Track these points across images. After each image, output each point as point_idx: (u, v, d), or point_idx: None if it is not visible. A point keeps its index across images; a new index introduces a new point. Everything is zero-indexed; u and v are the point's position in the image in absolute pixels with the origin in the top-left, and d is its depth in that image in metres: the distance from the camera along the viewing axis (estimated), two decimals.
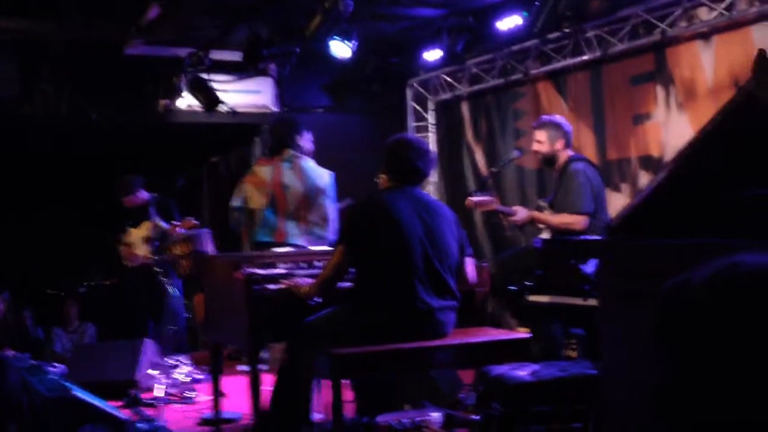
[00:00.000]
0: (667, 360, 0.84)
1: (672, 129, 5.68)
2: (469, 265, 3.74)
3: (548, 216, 4.85)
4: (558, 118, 5.05)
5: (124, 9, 6.47)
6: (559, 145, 4.83)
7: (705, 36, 5.44)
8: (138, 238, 6.58)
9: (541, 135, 4.88)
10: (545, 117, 5.09)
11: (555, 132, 4.85)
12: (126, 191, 6.69)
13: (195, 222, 6.35)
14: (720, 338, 0.82)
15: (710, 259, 0.86)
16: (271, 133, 4.86)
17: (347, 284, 3.62)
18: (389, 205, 3.50)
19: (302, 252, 4.30)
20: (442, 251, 3.50)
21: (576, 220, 4.60)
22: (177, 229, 6.28)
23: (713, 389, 0.81)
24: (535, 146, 4.93)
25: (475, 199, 5.10)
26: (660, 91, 5.78)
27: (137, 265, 6.50)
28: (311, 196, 4.74)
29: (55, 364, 6.09)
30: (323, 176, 4.83)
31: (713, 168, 2.16)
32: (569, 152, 4.89)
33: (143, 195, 6.73)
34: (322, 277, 3.54)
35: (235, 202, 4.72)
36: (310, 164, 4.83)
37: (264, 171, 4.77)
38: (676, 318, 0.85)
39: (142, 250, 6.56)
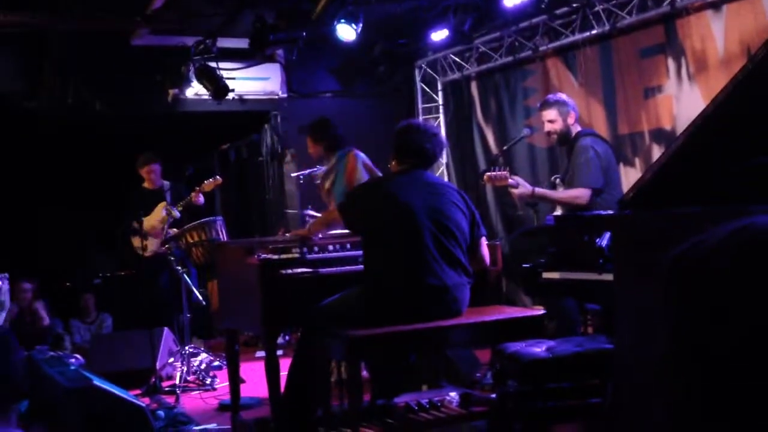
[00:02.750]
0: (677, 322, 0.83)
1: (684, 101, 5.63)
2: (484, 247, 3.74)
3: (550, 192, 4.81)
4: (561, 94, 5.00)
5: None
6: (571, 119, 4.78)
7: (715, 6, 5.37)
8: (154, 224, 6.56)
9: (551, 114, 4.80)
10: (550, 96, 5.01)
11: (564, 108, 4.79)
12: (150, 160, 6.67)
13: (218, 180, 6.35)
14: (736, 297, 0.80)
15: (720, 223, 0.85)
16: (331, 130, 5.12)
17: (359, 267, 3.63)
18: (393, 188, 3.54)
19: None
20: (451, 230, 3.50)
21: (579, 194, 4.54)
22: (199, 194, 6.30)
23: (725, 349, 0.79)
24: (548, 126, 4.82)
25: (489, 174, 5.03)
26: (671, 63, 5.72)
27: (152, 255, 6.50)
28: None
29: (76, 356, 6.15)
30: None
31: (726, 138, 2.14)
32: (578, 127, 4.85)
33: (160, 180, 6.74)
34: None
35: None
36: None
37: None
38: (690, 278, 0.83)
39: (157, 238, 6.56)
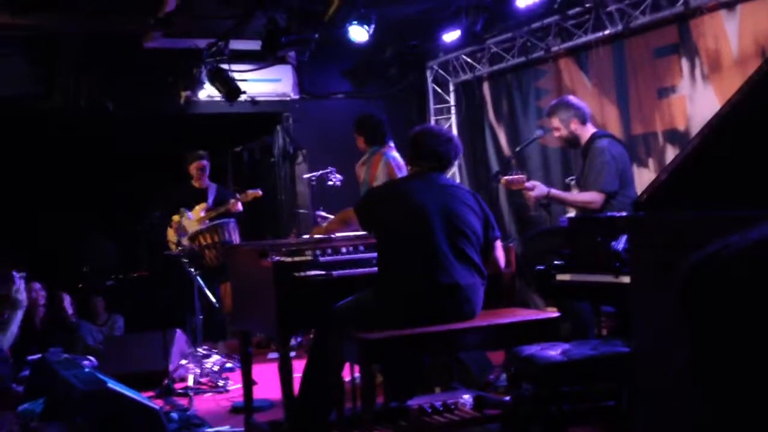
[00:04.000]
0: (695, 330, 0.81)
1: (698, 101, 5.59)
2: (499, 250, 3.73)
3: (564, 194, 4.81)
4: (567, 97, 4.97)
5: (141, 2, 6.49)
6: (573, 125, 4.75)
7: (729, 5, 5.33)
8: (191, 221, 6.57)
9: (553, 122, 4.81)
10: (554, 102, 5.00)
11: (566, 113, 4.76)
12: (198, 156, 6.70)
13: (258, 192, 6.38)
14: (757, 308, 0.79)
15: (742, 229, 0.83)
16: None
17: (372, 269, 3.63)
18: (407, 190, 3.57)
19: (326, 239, 4.32)
20: (465, 232, 3.51)
21: (592, 199, 4.53)
22: (238, 203, 6.34)
23: (744, 358, 0.78)
24: (555, 133, 4.88)
25: (507, 177, 5.02)
26: (685, 63, 5.68)
27: (169, 255, 6.52)
28: None
29: (90, 358, 6.17)
30: None
31: (741, 140, 2.12)
32: (592, 129, 4.80)
33: (207, 179, 6.76)
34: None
35: None
36: None
37: None
38: (710, 287, 0.82)
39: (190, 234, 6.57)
